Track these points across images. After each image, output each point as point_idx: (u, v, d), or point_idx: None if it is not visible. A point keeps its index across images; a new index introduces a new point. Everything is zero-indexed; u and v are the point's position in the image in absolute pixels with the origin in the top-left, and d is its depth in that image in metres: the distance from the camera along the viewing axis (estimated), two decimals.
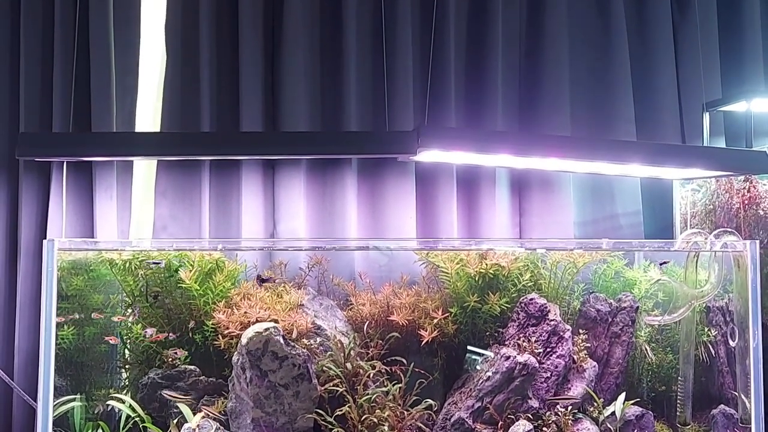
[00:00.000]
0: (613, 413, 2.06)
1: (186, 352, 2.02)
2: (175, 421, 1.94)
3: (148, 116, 2.50)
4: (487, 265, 2.07)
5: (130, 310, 2.06)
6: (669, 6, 2.72)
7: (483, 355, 2.06)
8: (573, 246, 2.26)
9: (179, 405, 1.95)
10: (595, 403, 2.08)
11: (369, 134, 2.17)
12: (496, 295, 2.08)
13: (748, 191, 2.50)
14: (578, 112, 2.62)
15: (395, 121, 2.44)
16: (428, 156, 1.85)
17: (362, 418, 1.92)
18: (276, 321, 1.96)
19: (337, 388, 1.95)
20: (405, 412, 1.96)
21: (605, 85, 2.65)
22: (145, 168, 2.46)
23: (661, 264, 2.11)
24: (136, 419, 1.92)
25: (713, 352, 2.15)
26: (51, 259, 1.63)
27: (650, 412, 2.09)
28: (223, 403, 1.98)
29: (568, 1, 2.63)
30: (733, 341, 2.05)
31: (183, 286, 2.02)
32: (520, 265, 2.11)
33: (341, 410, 1.92)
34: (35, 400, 2.18)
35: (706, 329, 2.17)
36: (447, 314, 2.06)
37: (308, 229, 2.43)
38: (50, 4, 2.37)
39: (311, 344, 2.00)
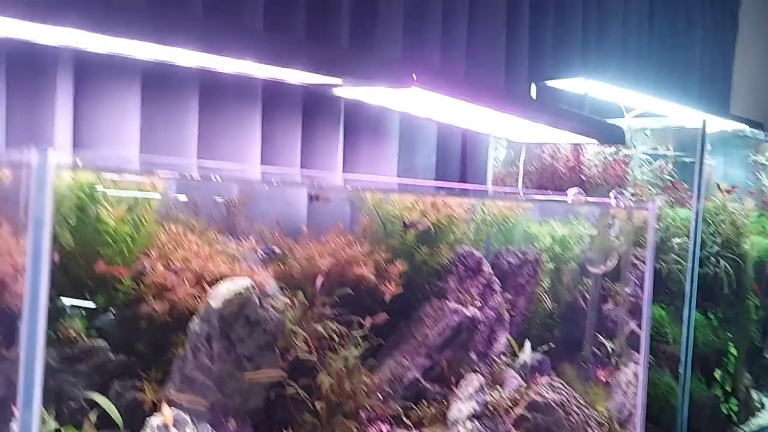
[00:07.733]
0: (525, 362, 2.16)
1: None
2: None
3: None
4: (440, 215, 1.94)
5: None
6: None
7: None
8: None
9: (94, 396, 1.38)
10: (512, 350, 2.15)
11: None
12: (444, 246, 1.98)
13: (575, 159, 2.87)
14: None
15: None
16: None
17: (332, 387, 1.63)
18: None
19: (309, 357, 1.62)
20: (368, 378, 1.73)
21: None
22: None
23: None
24: None
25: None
26: None
27: (547, 358, 2.24)
28: (154, 386, 1.46)
29: None
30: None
31: None
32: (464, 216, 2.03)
33: (320, 380, 1.60)
34: None
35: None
36: (402, 268, 1.87)
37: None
38: None
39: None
